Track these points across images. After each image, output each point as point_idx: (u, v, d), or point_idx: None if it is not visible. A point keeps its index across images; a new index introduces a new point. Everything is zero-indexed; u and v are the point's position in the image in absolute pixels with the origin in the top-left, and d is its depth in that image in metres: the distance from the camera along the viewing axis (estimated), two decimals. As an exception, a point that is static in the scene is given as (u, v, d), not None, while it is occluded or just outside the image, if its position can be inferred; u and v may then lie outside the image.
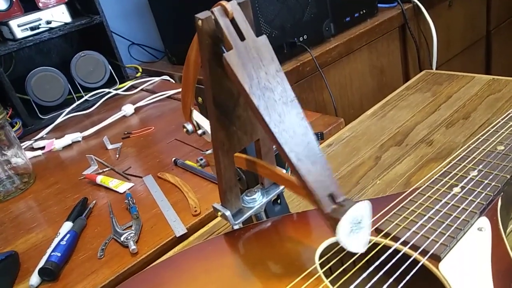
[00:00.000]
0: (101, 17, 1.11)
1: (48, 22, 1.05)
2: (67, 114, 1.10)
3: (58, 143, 0.96)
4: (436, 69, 1.37)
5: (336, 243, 0.37)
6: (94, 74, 1.17)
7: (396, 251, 0.34)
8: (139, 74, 1.31)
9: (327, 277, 0.33)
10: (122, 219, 0.65)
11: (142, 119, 1.03)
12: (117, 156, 0.86)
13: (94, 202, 0.71)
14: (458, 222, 0.35)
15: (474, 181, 0.39)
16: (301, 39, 1.09)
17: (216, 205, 0.41)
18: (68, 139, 0.97)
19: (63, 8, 1.08)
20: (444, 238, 0.34)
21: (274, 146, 0.40)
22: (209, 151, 0.41)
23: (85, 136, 0.98)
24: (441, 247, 0.33)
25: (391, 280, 0.31)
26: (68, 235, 0.61)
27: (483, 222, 0.36)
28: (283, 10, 1.03)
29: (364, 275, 0.32)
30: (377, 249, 0.35)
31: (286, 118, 0.30)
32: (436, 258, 0.33)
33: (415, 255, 0.33)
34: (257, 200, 0.41)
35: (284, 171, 0.39)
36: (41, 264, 0.58)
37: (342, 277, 0.33)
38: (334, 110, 1.13)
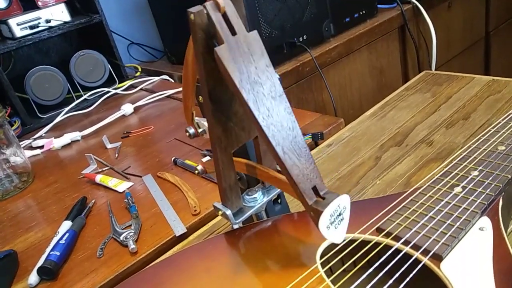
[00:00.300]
0: (101, 16, 1.11)
1: (48, 21, 1.05)
2: (66, 113, 1.10)
3: (57, 142, 0.96)
4: (436, 70, 1.38)
5: (336, 243, 0.37)
6: (93, 73, 1.16)
7: (397, 251, 0.34)
8: (138, 74, 1.30)
9: (328, 276, 0.33)
10: (122, 218, 0.65)
11: (142, 118, 1.03)
12: (117, 155, 0.85)
13: (93, 201, 0.71)
14: (460, 222, 0.35)
15: (475, 181, 0.39)
16: (301, 39, 1.09)
17: (216, 204, 0.40)
18: (67, 138, 0.97)
19: (62, 7, 1.08)
20: (445, 238, 0.34)
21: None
22: (207, 158, 0.41)
23: (84, 135, 0.98)
24: (443, 247, 0.33)
25: (392, 279, 0.31)
26: (67, 234, 0.61)
27: (485, 222, 0.36)
28: (283, 10, 1.03)
29: (365, 274, 0.32)
30: (378, 248, 0.35)
31: (274, 113, 0.31)
32: (438, 258, 0.33)
33: (417, 254, 0.33)
34: (258, 199, 0.41)
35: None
36: (40, 263, 0.57)
37: (343, 277, 0.33)
38: (334, 111, 1.13)
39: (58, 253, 0.58)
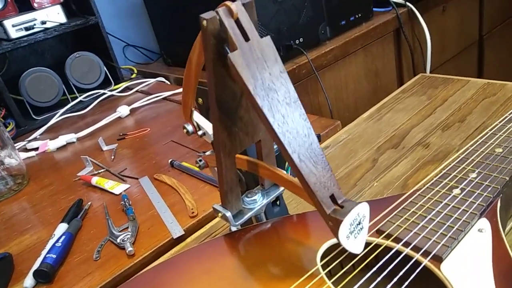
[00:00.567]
0: (97, 18, 1.10)
1: (43, 23, 1.04)
2: (61, 115, 1.09)
3: (52, 144, 0.95)
4: (430, 73, 1.39)
5: (337, 245, 0.37)
6: (89, 75, 1.16)
7: (398, 252, 0.34)
8: (134, 76, 1.30)
9: (328, 279, 0.33)
10: (118, 221, 0.64)
11: (138, 120, 1.02)
12: (113, 157, 0.85)
13: (89, 203, 0.70)
14: (459, 223, 0.35)
15: (474, 183, 0.39)
16: (297, 42, 1.09)
17: (216, 206, 0.40)
18: (62, 140, 0.96)
19: (58, 9, 1.07)
20: (445, 239, 0.34)
21: (275, 147, 0.40)
22: (209, 152, 0.41)
23: (79, 137, 0.98)
24: (443, 248, 0.33)
25: (394, 280, 0.31)
26: (64, 236, 0.61)
27: (483, 223, 0.36)
28: (279, 13, 1.03)
29: (367, 276, 0.32)
30: (378, 250, 0.35)
31: (289, 119, 0.30)
32: (438, 259, 0.33)
33: (417, 256, 0.33)
34: (258, 201, 0.41)
35: (285, 172, 0.39)
36: (36, 266, 0.57)
37: (344, 279, 0.33)
38: (330, 113, 1.14)
39: (54, 256, 0.57)
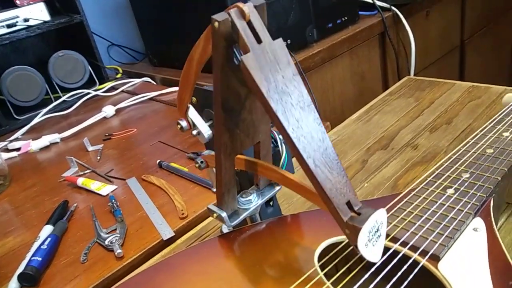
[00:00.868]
0: (82, 17, 1.08)
1: (26, 20, 1.02)
2: (44, 114, 1.06)
3: (35, 144, 0.93)
4: (414, 75, 1.41)
5: (333, 246, 0.37)
6: (72, 74, 1.13)
7: (395, 252, 0.34)
8: (119, 75, 1.28)
9: (327, 279, 0.33)
10: (106, 223, 0.63)
11: (123, 120, 1.01)
12: (98, 158, 0.83)
13: (75, 205, 0.69)
14: (455, 223, 0.36)
15: (467, 183, 0.40)
16: (285, 43, 1.09)
17: (211, 207, 0.40)
18: (45, 140, 0.94)
19: (41, 6, 1.05)
20: (442, 239, 0.34)
21: (280, 150, 0.40)
22: (207, 152, 0.40)
23: (63, 138, 0.95)
24: (440, 247, 0.33)
25: (393, 280, 0.31)
26: (49, 238, 0.59)
27: (478, 222, 0.36)
28: (267, 14, 1.03)
29: (366, 275, 0.32)
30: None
31: (303, 123, 0.29)
32: (435, 258, 0.33)
33: (415, 256, 0.33)
34: (253, 201, 0.41)
35: (297, 177, 0.39)
36: (20, 269, 0.55)
37: (342, 279, 0.33)
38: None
39: (39, 259, 0.56)
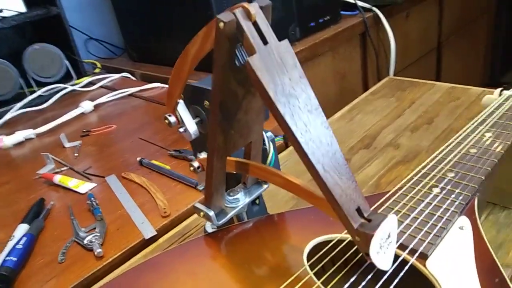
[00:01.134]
0: (59, 9, 1.05)
1: (0, 11, 0.98)
2: (18, 109, 1.03)
3: (8, 140, 0.90)
4: (394, 76, 1.43)
5: (322, 244, 0.37)
6: (49, 68, 1.10)
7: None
8: (97, 70, 1.25)
9: (316, 278, 0.33)
10: (84, 221, 0.61)
11: (102, 116, 0.98)
12: (76, 154, 0.81)
13: (52, 203, 0.67)
14: (442, 221, 0.36)
15: (453, 182, 0.40)
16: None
17: (198, 205, 0.39)
18: (19, 136, 0.90)
19: (16, -3, 1.01)
20: (430, 237, 0.34)
21: (268, 148, 0.40)
22: (203, 155, 0.38)
23: (39, 134, 0.92)
24: (428, 246, 0.34)
25: (384, 278, 0.31)
26: (25, 238, 0.57)
27: (464, 221, 0.37)
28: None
29: (356, 274, 0.31)
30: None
31: (311, 127, 0.28)
32: (423, 257, 0.33)
33: (404, 254, 0.33)
34: (241, 200, 0.40)
35: (303, 182, 0.38)
36: (-6, 270, 0.53)
37: (332, 278, 0.33)
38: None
39: (14, 259, 0.53)
